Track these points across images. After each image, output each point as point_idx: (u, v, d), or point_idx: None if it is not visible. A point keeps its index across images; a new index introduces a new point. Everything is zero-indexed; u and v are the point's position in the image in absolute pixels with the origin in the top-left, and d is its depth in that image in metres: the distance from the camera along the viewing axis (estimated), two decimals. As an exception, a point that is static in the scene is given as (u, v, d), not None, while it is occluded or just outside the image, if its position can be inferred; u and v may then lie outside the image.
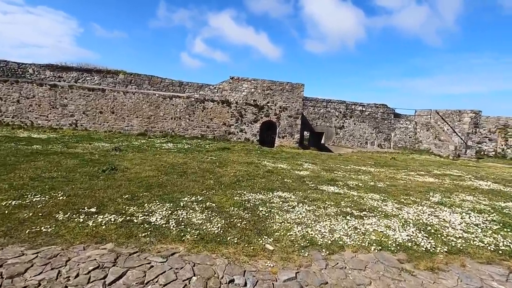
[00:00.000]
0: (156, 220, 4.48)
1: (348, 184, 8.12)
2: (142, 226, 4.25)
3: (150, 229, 4.15)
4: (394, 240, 4.42)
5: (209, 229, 4.30)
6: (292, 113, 18.65)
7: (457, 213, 5.96)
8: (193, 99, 17.89)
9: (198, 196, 5.78)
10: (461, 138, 21.03)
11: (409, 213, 5.76)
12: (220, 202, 5.57)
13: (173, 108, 17.77)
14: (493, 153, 23.48)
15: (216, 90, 18.07)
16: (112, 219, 4.36)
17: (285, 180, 8.05)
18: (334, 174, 9.73)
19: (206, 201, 5.53)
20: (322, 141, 23.51)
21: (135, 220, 4.41)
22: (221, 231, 4.27)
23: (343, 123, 23.49)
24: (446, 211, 6.05)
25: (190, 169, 8.30)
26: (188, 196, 5.74)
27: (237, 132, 18.35)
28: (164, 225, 4.33)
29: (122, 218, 4.43)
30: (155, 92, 18.20)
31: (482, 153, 23.42)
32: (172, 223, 4.41)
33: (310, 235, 4.35)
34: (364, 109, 26.21)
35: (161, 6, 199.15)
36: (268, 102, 18.43)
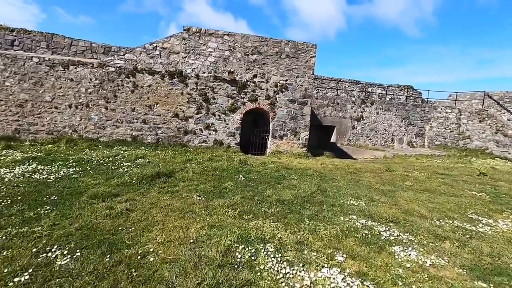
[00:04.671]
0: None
1: None
2: None
3: None
4: None
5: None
6: (296, 95, 10.75)
7: None
8: (112, 69, 9.36)
9: None
10: (537, 133, 14.37)
11: None
12: None
13: (73, 86, 9.16)
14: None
15: (157, 53, 9.65)
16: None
17: None
18: None
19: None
20: (333, 139, 15.97)
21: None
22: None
23: (361, 112, 16.03)
24: None
25: None
26: None
27: (200, 130, 10.17)
28: None
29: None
30: (30, 55, 9.38)
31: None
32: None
33: None
34: (384, 92, 18.97)
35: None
36: (255, 76, 10.36)
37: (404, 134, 16.87)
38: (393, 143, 16.76)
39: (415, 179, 8.09)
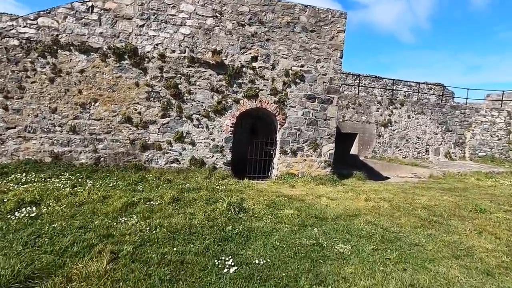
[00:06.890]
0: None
1: None
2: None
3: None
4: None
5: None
6: (317, 88, 7.09)
7: None
8: (15, 43, 5.58)
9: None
10: None
11: None
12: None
13: None
14: None
15: (95, 17, 5.92)
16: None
17: None
18: None
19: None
20: (353, 151, 12.34)
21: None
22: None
23: (389, 115, 12.45)
24: None
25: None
26: None
27: (169, 143, 6.39)
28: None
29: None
30: None
31: None
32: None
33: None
34: (410, 91, 15.49)
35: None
36: (254, 59, 6.68)
37: (441, 143, 13.35)
38: (428, 154, 13.21)
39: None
